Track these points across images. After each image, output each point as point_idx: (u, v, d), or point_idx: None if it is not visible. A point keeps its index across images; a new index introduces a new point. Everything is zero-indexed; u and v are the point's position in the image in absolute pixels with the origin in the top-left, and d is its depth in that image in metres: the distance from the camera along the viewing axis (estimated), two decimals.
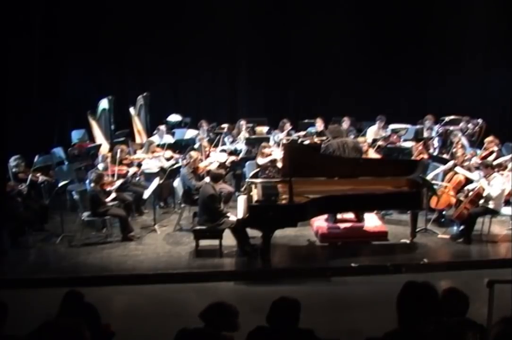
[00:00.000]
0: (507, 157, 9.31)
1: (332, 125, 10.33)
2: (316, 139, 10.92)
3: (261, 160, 9.58)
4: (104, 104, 12.14)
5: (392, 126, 11.86)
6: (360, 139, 10.43)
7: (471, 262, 7.60)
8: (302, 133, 11.58)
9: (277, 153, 9.56)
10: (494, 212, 8.02)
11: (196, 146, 10.48)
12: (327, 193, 7.55)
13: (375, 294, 6.38)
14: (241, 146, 10.95)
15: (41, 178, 9.01)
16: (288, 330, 3.64)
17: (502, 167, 8.79)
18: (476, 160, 9.12)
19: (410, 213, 8.24)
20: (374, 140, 10.50)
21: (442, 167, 8.85)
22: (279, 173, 8.94)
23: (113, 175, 8.91)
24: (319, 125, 11.77)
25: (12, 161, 8.86)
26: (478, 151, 9.97)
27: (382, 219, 8.87)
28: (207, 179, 8.33)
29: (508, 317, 2.58)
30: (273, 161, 9.42)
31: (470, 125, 11.49)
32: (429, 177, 8.53)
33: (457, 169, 8.52)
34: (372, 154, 9.78)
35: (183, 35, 13.45)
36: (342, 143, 8.20)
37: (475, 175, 8.33)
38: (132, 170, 9.38)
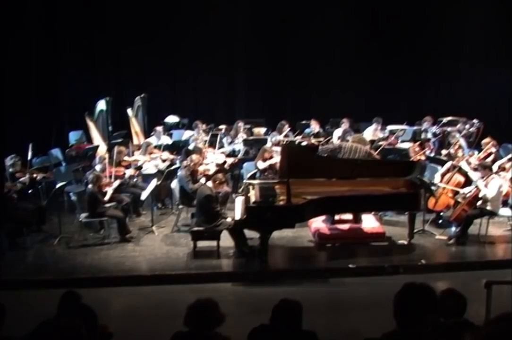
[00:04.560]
0: (504, 160, 9.31)
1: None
2: (313, 140, 10.93)
3: (261, 164, 9.44)
4: (101, 105, 12.13)
5: (390, 127, 11.87)
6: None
7: (469, 263, 7.60)
8: (299, 136, 11.57)
9: (277, 156, 9.50)
10: (492, 214, 8.02)
11: (190, 147, 10.42)
12: (325, 194, 7.55)
13: (373, 295, 6.37)
14: (239, 146, 10.92)
15: (39, 176, 8.98)
16: (291, 332, 3.64)
17: (501, 169, 8.79)
18: (474, 162, 9.11)
19: (408, 214, 8.23)
20: (372, 142, 10.51)
21: (441, 170, 8.81)
22: (277, 175, 8.92)
23: (110, 176, 8.90)
24: (314, 126, 11.80)
25: (8, 160, 8.79)
26: (476, 152, 9.98)
27: (380, 220, 8.87)
28: (203, 181, 8.32)
29: (502, 316, 2.58)
30: (272, 164, 9.37)
31: (467, 126, 11.50)
32: (436, 180, 8.52)
33: (462, 164, 8.48)
34: (375, 155, 9.76)
35: (181, 36, 13.46)
36: (355, 148, 8.18)
37: (475, 175, 8.33)
38: (129, 171, 9.37)
